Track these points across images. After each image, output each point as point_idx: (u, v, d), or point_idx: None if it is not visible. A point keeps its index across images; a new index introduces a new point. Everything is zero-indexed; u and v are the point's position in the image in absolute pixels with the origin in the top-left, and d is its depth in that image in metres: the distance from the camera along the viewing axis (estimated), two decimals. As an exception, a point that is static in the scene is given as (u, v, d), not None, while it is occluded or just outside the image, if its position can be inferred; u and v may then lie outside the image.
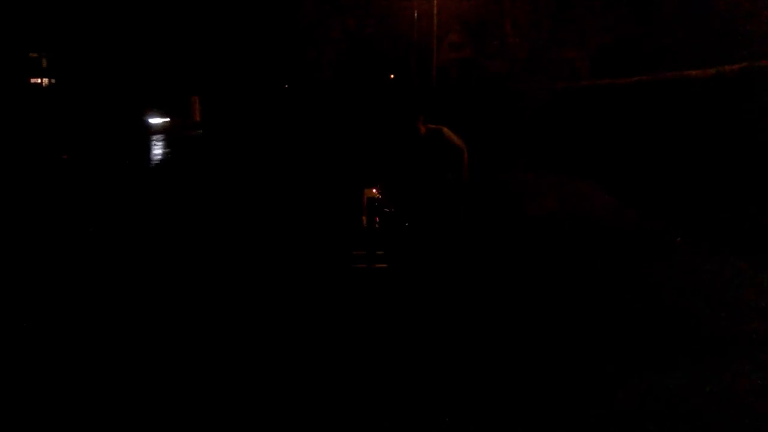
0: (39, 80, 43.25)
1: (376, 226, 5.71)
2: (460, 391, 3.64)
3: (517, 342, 4.35)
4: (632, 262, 6.29)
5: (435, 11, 25.72)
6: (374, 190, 5.78)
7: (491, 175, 12.08)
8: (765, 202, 7.03)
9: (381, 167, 5.54)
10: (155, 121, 31.90)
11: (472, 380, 3.78)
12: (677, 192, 8.96)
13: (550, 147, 15.32)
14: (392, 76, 37.29)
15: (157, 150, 20.95)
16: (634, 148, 10.83)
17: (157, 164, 16.93)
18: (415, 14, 29.85)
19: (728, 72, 8.10)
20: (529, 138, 16.79)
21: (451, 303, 5.07)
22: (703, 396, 3.55)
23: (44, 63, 43.03)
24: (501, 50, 24.94)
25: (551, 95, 16.39)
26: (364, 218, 5.88)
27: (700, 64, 9.62)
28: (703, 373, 3.81)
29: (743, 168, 7.61)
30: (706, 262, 6.16)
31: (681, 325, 4.60)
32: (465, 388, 3.68)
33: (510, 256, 6.63)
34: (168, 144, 23.31)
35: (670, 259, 6.38)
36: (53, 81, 42.70)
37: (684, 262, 6.21)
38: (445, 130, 5.11)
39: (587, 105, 13.57)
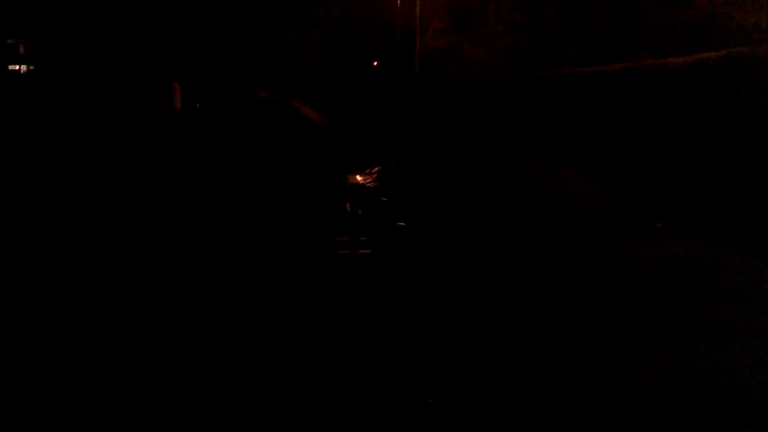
0: (17, 67, 42.48)
1: (359, 211, 5.72)
2: (443, 381, 3.67)
3: (497, 332, 4.38)
4: (612, 246, 6.36)
5: (419, -2, 25.60)
6: (358, 177, 5.78)
7: (472, 160, 12.09)
8: (751, 190, 7.09)
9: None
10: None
11: (452, 368, 3.81)
12: (660, 180, 9.03)
13: (533, 134, 15.34)
14: (375, 63, 37.07)
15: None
16: (618, 136, 10.87)
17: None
18: (398, 1, 29.63)
19: (709, 59, 8.18)
20: (512, 125, 16.81)
21: (432, 291, 5.09)
22: (694, 389, 3.57)
23: (21, 50, 42.27)
24: (485, 38, 24.89)
25: (534, 83, 16.42)
26: (347, 204, 5.88)
27: (682, 53, 9.69)
28: (691, 364, 3.82)
29: (728, 157, 7.69)
30: (689, 248, 6.24)
31: (667, 313, 4.66)
32: (446, 379, 3.70)
33: (490, 242, 6.66)
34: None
35: (654, 243, 6.46)
36: (32, 67, 41.98)
37: (664, 246, 6.28)
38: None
39: (569, 93, 13.60)
